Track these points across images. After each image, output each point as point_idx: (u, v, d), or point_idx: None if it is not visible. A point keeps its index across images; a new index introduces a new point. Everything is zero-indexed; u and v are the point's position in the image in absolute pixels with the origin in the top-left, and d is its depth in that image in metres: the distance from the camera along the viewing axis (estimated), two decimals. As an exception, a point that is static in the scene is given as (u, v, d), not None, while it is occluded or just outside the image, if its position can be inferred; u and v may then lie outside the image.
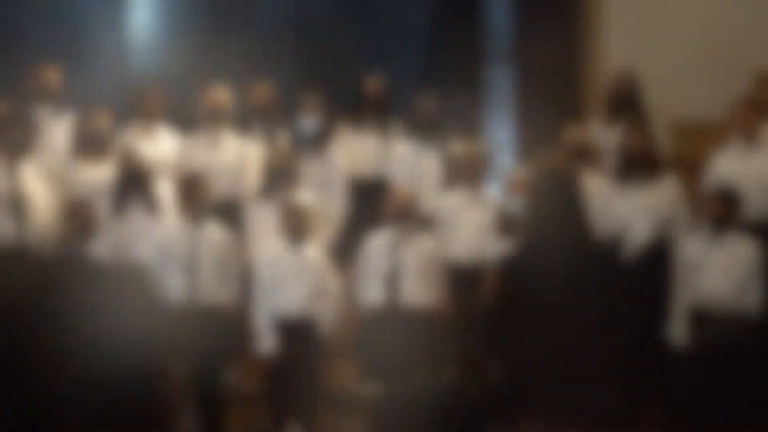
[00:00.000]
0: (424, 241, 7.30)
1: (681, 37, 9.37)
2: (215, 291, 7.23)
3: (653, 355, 7.12)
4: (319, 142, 8.05)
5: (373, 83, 8.30)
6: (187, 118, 9.22)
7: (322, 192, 7.96)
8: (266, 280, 7.17)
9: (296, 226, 7.14)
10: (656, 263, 7.24)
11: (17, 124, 7.44)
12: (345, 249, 8.30)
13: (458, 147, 7.95)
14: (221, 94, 8.18)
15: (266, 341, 7.13)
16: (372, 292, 7.22)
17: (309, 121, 7.97)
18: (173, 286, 7.10)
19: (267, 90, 8.37)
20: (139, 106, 8.42)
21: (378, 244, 7.18)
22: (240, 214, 7.89)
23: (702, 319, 6.86)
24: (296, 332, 7.11)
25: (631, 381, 7.09)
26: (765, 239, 7.18)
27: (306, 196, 7.55)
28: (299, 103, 8.08)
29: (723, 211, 7.04)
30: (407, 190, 7.36)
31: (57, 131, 8.26)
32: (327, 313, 7.22)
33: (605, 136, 8.26)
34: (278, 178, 7.59)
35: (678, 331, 7.04)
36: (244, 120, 8.40)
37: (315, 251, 7.33)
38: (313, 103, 8.04)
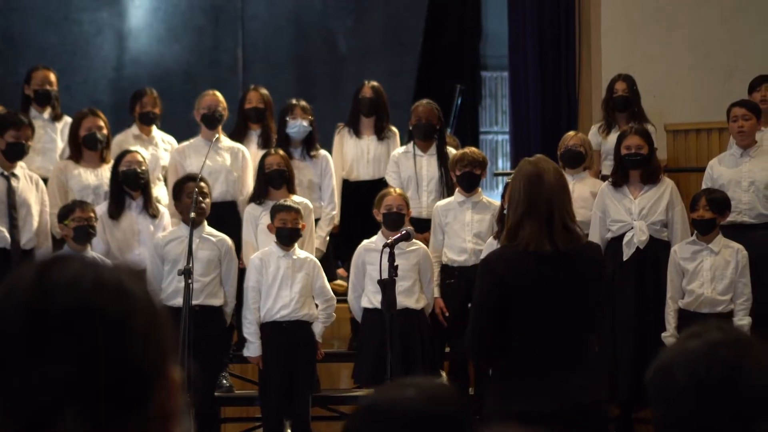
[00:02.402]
0: (417, 244, 7.27)
1: (678, 41, 9.37)
2: (211, 293, 7.22)
3: (647, 357, 7.12)
4: (308, 145, 8.04)
5: (370, 87, 8.29)
6: (183, 121, 9.23)
7: (312, 195, 7.95)
8: (258, 283, 7.14)
9: (289, 229, 7.11)
10: (651, 266, 7.25)
11: (13, 126, 7.41)
12: (340, 251, 8.31)
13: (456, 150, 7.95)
14: (216, 98, 8.17)
15: (257, 344, 7.11)
16: (366, 297, 7.19)
17: (297, 125, 7.97)
18: (170, 288, 7.10)
19: (263, 94, 8.36)
20: (134, 109, 8.41)
21: (371, 248, 7.15)
22: (235, 216, 7.88)
23: (692, 322, 6.87)
24: (289, 334, 7.09)
25: (628, 382, 7.11)
26: (756, 242, 7.18)
27: (300, 198, 7.54)
28: (286, 108, 8.07)
29: (711, 215, 7.04)
30: (399, 194, 7.33)
31: (54, 134, 8.25)
32: (320, 315, 7.19)
33: (603, 140, 8.26)
34: (272, 181, 7.58)
35: (669, 335, 7.05)
36: (240, 124, 8.39)
37: (306, 252, 7.31)
38: (300, 107, 8.04)
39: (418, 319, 7.16)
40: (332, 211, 8.03)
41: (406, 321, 7.02)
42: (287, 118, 8.02)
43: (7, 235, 7.31)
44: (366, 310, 7.20)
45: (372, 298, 7.10)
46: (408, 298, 7.12)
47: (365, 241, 7.30)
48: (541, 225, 4.30)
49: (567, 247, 4.32)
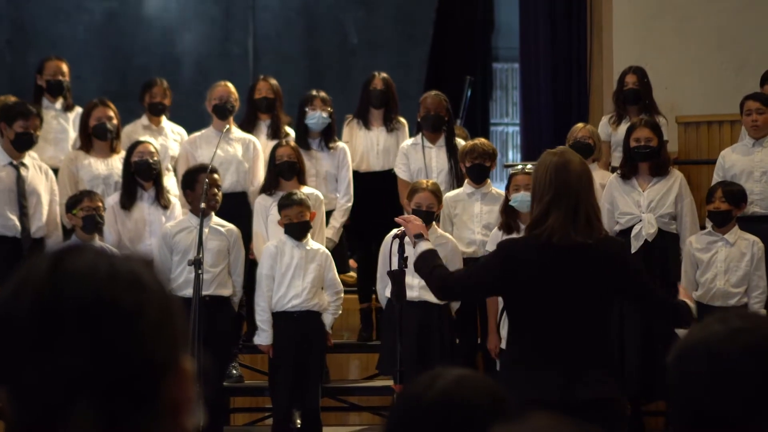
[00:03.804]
0: (446, 237, 7.15)
1: (689, 33, 9.34)
2: (221, 283, 7.23)
3: (655, 350, 7.12)
4: (326, 136, 8.02)
5: (380, 79, 8.27)
6: (193, 112, 9.23)
7: (328, 186, 7.94)
8: (272, 270, 7.13)
9: (296, 224, 7.09)
10: (659, 258, 7.23)
11: (22, 116, 7.42)
12: (351, 242, 8.30)
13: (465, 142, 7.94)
14: (228, 89, 8.17)
15: (268, 332, 7.10)
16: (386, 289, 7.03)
17: (317, 116, 7.95)
18: (180, 279, 7.10)
19: (272, 85, 8.34)
20: (144, 99, 8.41)
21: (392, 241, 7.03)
22: (246, 207, 7.88)
23: (705, 314, 6.86)
24: (300, 325, 7.08)
25: (637, 374, 7.10)
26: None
27: (310, 189, 7.53)
28: (306, 98, 8.05)
29: (727, 207, 7.02)
30: (432, 190, 7.06)
31: (66, 124, 8.26)
32: (330, 307, 7.18)
33: (613, 131, 8.25)
34: (283, 172, 7.58)
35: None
36: (249, 114, 8.38)
37: (318, 244, 7.30)
38: (320, 98, 8.02)
39: (439, 314, 7.03)
40: (347, 203, 8.01)
41: (426, 315, 6.93)
42: (306, 109, 7.99)
43: (18, 223, 7.33)
44: (389, 301, 7.04)
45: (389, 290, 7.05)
46: (429, 292, 6.98)
47: (393, 231, 7.19)
48: (567, 215, 4.32)
49: (587, 240, 4.33)
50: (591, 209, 4.39)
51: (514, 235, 6.60)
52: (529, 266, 4.35)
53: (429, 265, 4.58)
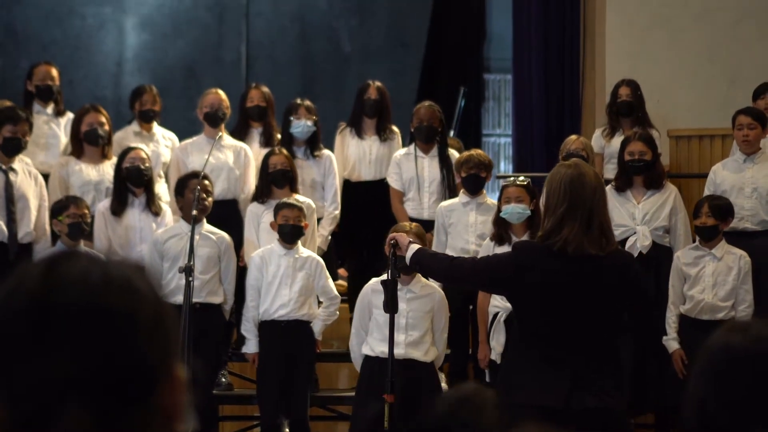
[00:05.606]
0: (433, 287, 6.64)
1: (681, 47, 9.36)
2: (212, 291, 7.21)
3: (648, 361, 7.12)
4: (311, 145, 8.02)
5: (375, 88, 8.27)
6: (185, 118, 9.21)
7: (314, 194, 7.93)
8: (258, 281, 7.10)
9: (291, 226, 7.08)
10: (653, 271, 7.23)
11: (10, 121, 7.40)
12: (342, 251, 8.29)
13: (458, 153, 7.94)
14: (219, 97, 8.15)
15: (254, 342, 7.07)
16: (368, 344, 6.57)
17: (302, 125, 7.95)
18: (170, 285, 7.08)
19: (264, 92, 8.33)
20: (134, 106, 8.39)
21: (379, 290, 6.28)
22: (236, 215, 7.87)
23: (693, 328, 6.88)
24: (288, 334, 7.04)
25: (627, 385, 7.09)
26: (759, 249, 7.16)
27: (302, 198, 7.52)
28: (291, 107, 8.05)
29: (714, 221, 7.01)
30: (415, 233, 6.18)
31: (58, 130, 8.24)
32: (322, 313, 7.15)
33: (606, 144, 8.25)
34: (276, 181, 7.57)
35: (671, 338, 7.03)
36: (241, 122, 8.36)
37: (309, 251, 7.28)
38: (304, 107, 8.02)
39: (426, 373, 6.47)
40: (335, 211, 8.01)
41: (412, 373, 6.33)
42: (291, 118, 8.00)
43: (5, 228, 7.31)
44: (366, 358, 6.55)
45: (374, 346, 6.46)
46: (416, 350, 6.46)
47: (373, 281, 6.65)
48: (581, 226, 4.34)
49: (598, 251, 4.36)
50: (605, 222, 4.42)
51: (506, 247, 6.59)
52: (540, 272, 4.37)
53: (428, 254, 4.82)
